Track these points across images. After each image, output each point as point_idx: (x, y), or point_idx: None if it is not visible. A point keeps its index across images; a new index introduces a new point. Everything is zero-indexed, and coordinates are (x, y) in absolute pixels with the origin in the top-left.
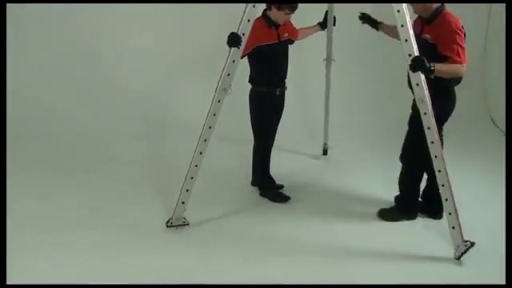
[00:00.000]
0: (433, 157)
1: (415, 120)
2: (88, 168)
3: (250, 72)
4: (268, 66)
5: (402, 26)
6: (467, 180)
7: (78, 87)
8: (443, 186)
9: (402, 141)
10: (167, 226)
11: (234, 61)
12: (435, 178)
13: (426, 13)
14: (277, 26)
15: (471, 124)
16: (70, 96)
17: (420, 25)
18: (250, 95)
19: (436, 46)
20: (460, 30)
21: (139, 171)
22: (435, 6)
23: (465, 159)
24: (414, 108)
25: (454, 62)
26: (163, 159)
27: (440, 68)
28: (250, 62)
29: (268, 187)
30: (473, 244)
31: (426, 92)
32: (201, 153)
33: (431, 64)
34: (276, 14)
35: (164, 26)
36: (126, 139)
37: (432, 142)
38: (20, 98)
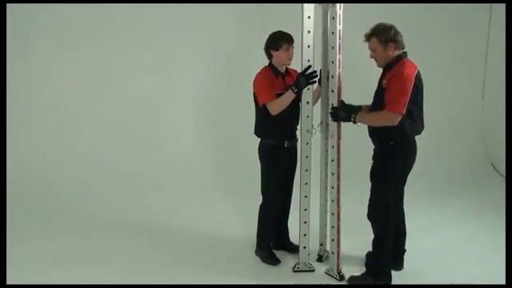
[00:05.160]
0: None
1: (376, 172)
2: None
3: (256, 122)
4: (274, 116)
5: (332, 76)
6: (468, 225)
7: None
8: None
9: None
10: (294, 271)
11: (307, 102)
12: (398, 230)
13: (384, 62)
14: (283, 75)
15: (472, 169)
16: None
17: (383, 70)
18: (258, 148)
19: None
20: (409, 81)
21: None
22: (395, 54)
23: (466, 204)
24: (374, 159)
25: (387, 109)
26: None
27: (365, 119)
28: (256, 112)
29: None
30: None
31: (337, 129)
32: (306, 209)
33: (352, 116)
34: (278, 56)
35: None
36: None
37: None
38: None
